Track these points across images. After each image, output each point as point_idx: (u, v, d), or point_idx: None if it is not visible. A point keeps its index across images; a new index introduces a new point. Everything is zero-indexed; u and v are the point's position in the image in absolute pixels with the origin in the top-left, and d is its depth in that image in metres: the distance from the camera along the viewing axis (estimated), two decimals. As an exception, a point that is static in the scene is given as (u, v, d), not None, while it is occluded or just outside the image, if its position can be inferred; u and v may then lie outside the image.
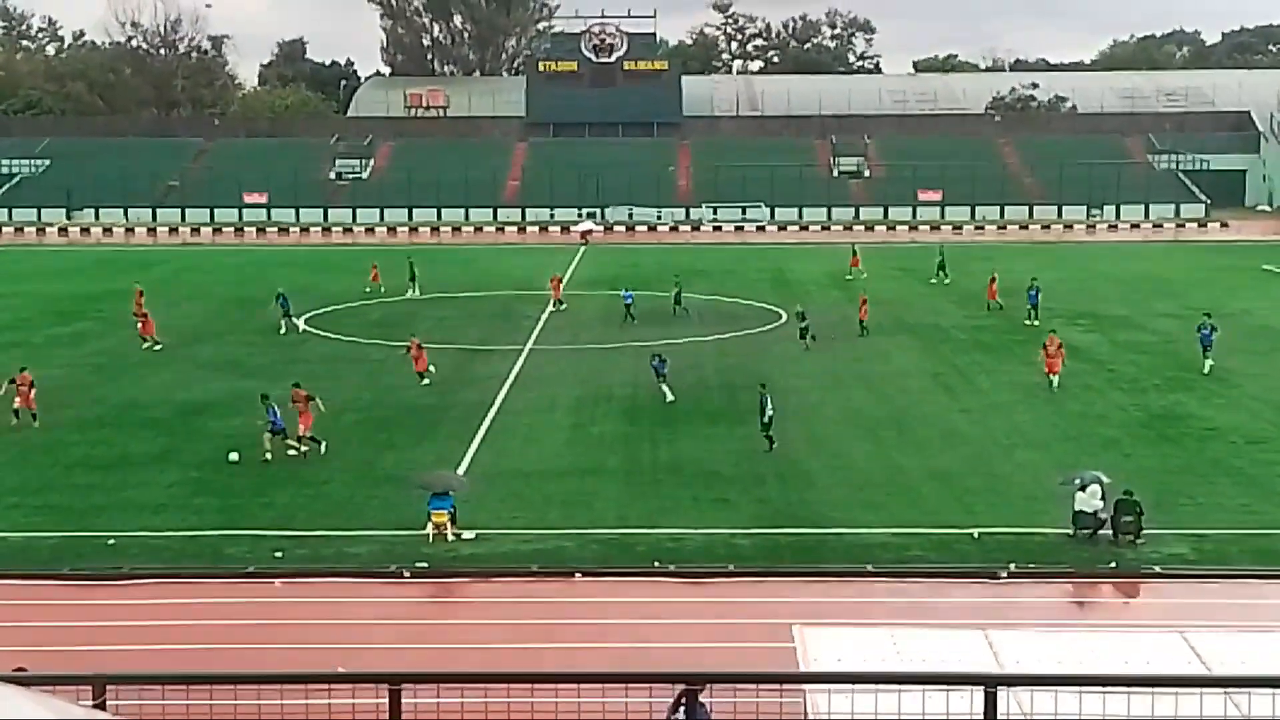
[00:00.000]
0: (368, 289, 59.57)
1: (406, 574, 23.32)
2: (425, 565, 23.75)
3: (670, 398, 36.81)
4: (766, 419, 31.74)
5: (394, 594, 22.66)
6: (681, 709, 13.79)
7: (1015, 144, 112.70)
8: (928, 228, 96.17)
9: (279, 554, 24.36)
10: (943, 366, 42.59)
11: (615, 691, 9.14)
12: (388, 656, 19.09)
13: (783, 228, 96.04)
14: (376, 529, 25.82)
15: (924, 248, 78.48)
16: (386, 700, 8.58)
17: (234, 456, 30.54)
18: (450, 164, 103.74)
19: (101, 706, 8.40)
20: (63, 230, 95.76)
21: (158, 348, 45.13)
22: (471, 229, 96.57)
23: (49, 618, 21.08)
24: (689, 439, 32.77)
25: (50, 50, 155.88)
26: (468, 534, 25.30)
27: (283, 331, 48.13)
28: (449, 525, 25.13)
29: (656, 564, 23.71)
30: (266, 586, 22.85)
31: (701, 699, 13.51)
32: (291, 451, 31.18)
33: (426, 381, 39.11)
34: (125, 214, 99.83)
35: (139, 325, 46.38)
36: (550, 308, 54.27)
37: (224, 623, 20.99)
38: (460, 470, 29.27)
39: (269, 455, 30.59)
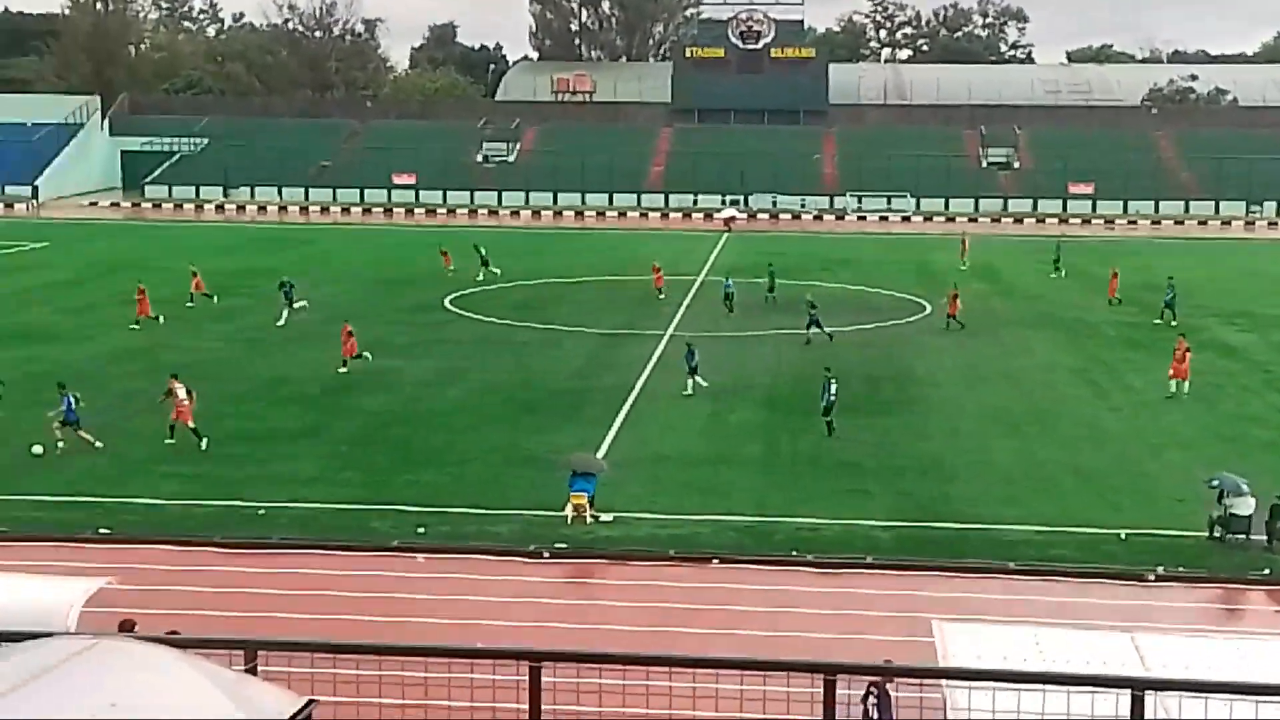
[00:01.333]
0: (449, 272, 59.82)
1: (546, 554, 23.57)
2: (564, 546, 23.98)
3: (689, 391, 36.04)
4: (826, 404, 31.82)
5: (532, 573, 22.91)
6: (873, 701, 13.77)
7: (1172, 137, 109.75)
8: (1079, 221, 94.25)
9: (422, 530, 24.79)
10: (1089, 362, 41.74)
11: (753, 679, 9.14)
12: (525, 634, 19.31)
13: (928, 218, 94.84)
14: (517, 509, 26.12)
15: (1073, 242, 76.98)
16: (526, 677, 8.72)
17: (37, 450, 29.40)
18: (595, 149, 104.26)
19: (253, 671, 8.65)
20: (219, 207, 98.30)
21: (135, 327, 45.55)
22: (615, 214, 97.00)
23: (202, 583, 21.71)
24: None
25: (210, 32, 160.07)
26: (606, 516, 25.49)
27: (280, 323, 46.46)
28: (588, 507, 25.34)
29: (794, 553, 23.64)
30: (409, 561, 23.27)
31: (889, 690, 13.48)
32: (91, 439, 30.00)
33: (344, 369, 38.72)
34: (279, 192, 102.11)
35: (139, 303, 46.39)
36: (661, 296, 53.87)
37: (368, 595, 21.42)
38: (600, 454, 29.47)
39: (61, 445, 29.73)
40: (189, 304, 50.02)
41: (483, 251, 60.42)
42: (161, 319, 45.98)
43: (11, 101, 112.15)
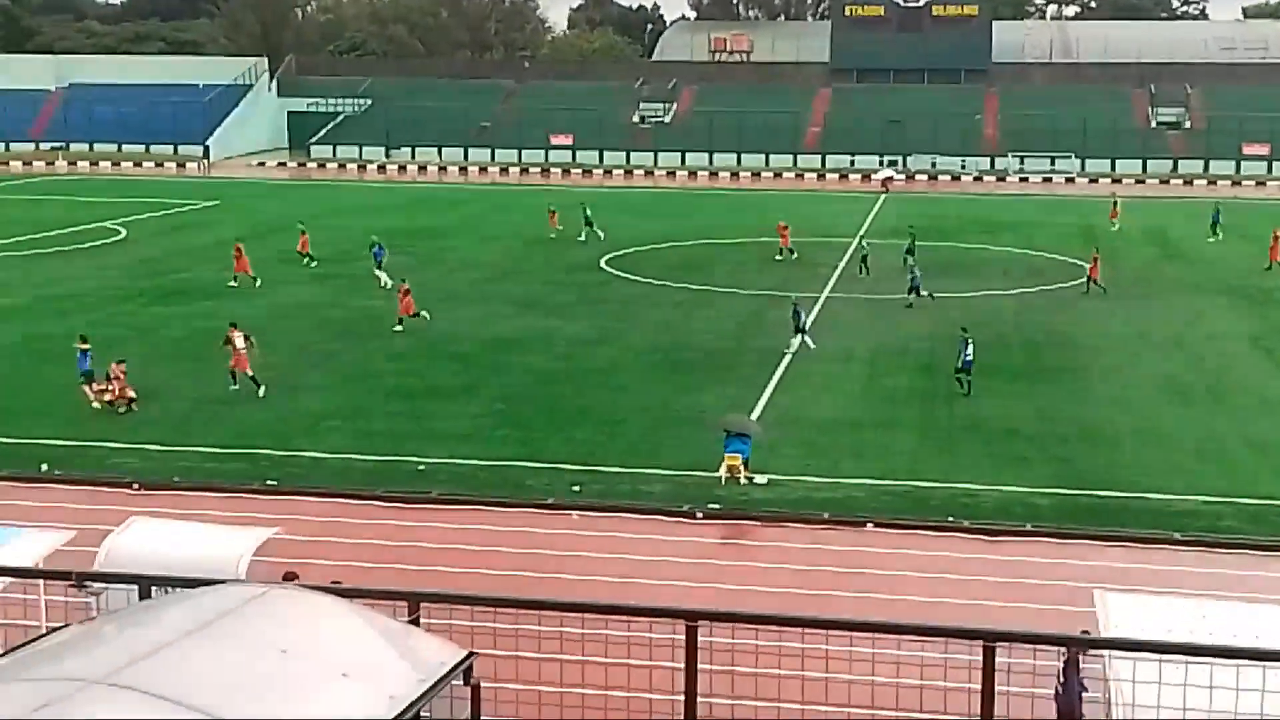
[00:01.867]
0: (552, 234, 59.75)
1: (699, 515, 23.63)
2: (718, 507, 24.01)
3: (794, 349, 36.14)
4: (962, 363, 31.73)
5: (686, 533, 22.99)
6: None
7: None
8: (1252, 183, 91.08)
9: (577, 488, 25.04)
10: (1266, 330, 40.37)
11: (911, 644, 9.06)
12: (678, 593, 19.41)
13: (1093, 180, 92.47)
14: (671, 469, 26.22)
15: (1249, 205, 74.47)
16: (683, 635, 8.76)
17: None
18: (752, 109, 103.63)
19: (416, 622, 8.84)
20: (381, 168, 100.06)
21: (233, 284, 46.14)
22: (771, 175, 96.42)
23: (364, 536, 22.22)
24: (987, 395, 32.04)
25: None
26: (760, 478, 25.45)
27: (384, 285, 45.63)
28: (742, 469, 25.32)
29: (950, 519, 23.35)
30: (564, 518, 23.51)
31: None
32: (91, 398, 30.30)
33: (399, 328, 38.82)
34: (439, 153, 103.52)
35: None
36: (779, 256, 53.41)
37: (523, 551, 21.71)
38: (754, 415, 29.41)
39: (95, 404, 30.16)
40: (311, 265, 50.58)
41: (587, 212, 60.22)
42: (258, 281, 46.49)
43: (184, 64, 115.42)
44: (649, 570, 20.84)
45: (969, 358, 31.92)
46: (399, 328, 38.99)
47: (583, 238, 58.47)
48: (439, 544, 22.01)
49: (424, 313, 39.69)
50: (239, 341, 31.90)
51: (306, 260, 50.96)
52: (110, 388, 30.09)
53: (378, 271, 46.65)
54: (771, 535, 22.97)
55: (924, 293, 43.76)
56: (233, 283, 46.30)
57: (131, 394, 30.21)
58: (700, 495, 24.61)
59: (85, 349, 30.83)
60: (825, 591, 19.88)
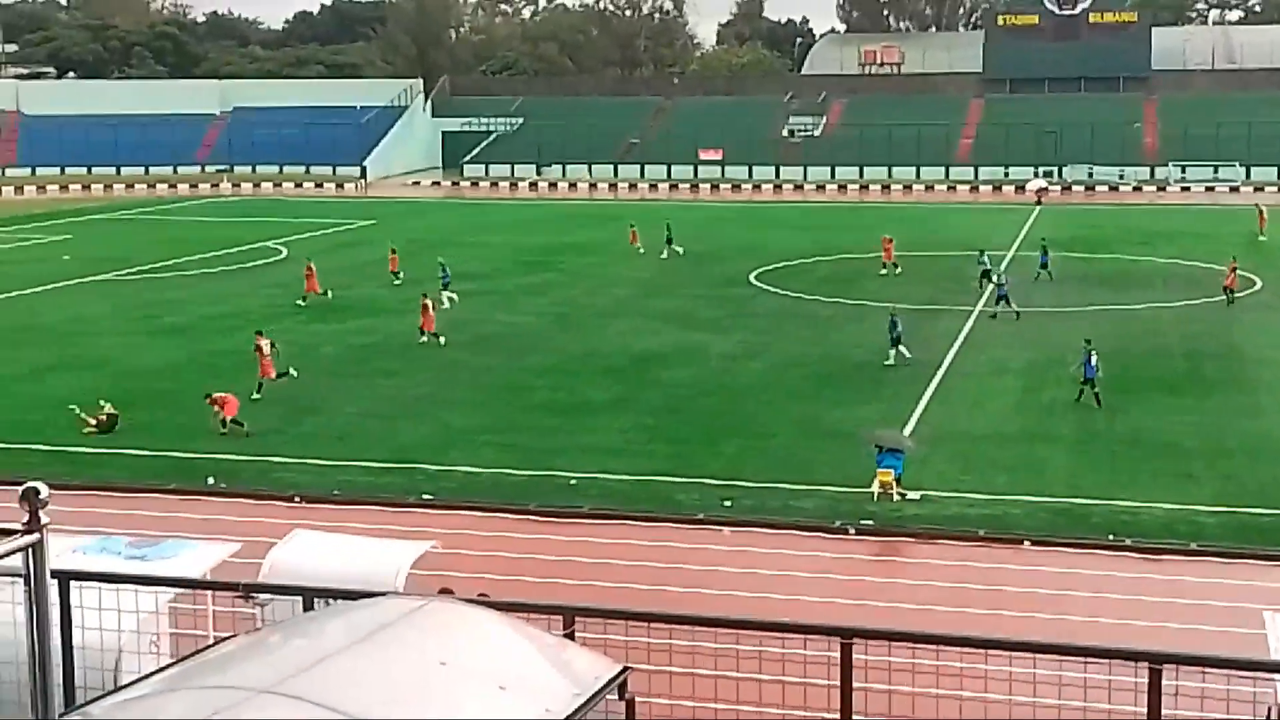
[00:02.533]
0: (638, 250, 59.58)
1: (851, 530, 23.42)
2: (870, 523, 23.77)
3: (890, 361, 35.86)
4: (1088, 376, 31.34)
5: (838, 549, 22.80)
6: None
7: None
8: None
9: (728, 503, 24.99)
10: None
11: (1073, 665, 8.87)
12: (830, 610, 19.26)
13: (1259, 188, 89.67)
14: (822, 484, 26.03)
15: None
16: (838, 653, 8.68)
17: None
18: (903, 121, 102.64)
19: (570, 636, 8.89)
20: (532, 185, 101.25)
21: (301, 303, 46.36)
22: (922, 187, 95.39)
23: (517, 550, 22.45)
24: (1148, 409, 31.27)
25: (526, 14, 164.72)
26: (913, 494, 25.14)
27: (445, 305, 45.33)
28: (895, 485, 25.04)
29: (1111, 537, 22.80)
30: (714, 534, 23.49)
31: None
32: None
33: (424, 340, 39.23)
34: (589, 170, 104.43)
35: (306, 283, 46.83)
36: (883, 271, 52.54)
37: (674, 566, 21.74)
38: (906, 430, 29.08)
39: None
40: (395, 283, 51.02)
41: (670, 230, 60.12)
42: (330, 294, 46.99)
43: (342, 86, 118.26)
44: (800, 586, 20.71)
45: (1094, 370, 31.36)
46: (423, 339, 39.48)
47: (664, 255, 58.35)
48: (591, 558, 22.14)
49: (441, 338, 39.61)
50: (265, 348, 32.92)
51: (395, 279, 51.42)
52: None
53: (446, 294, 46.70)
54: (925, 552, 22.66)
55: (1012, 305, 43.07)
56: (301, 301, 46.82)
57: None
58: (852, 511, 24.39)
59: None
60: (980, 610, 19.54)
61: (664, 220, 62.95)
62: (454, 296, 46.69)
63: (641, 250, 59.68)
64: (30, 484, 4.49)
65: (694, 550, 22.63)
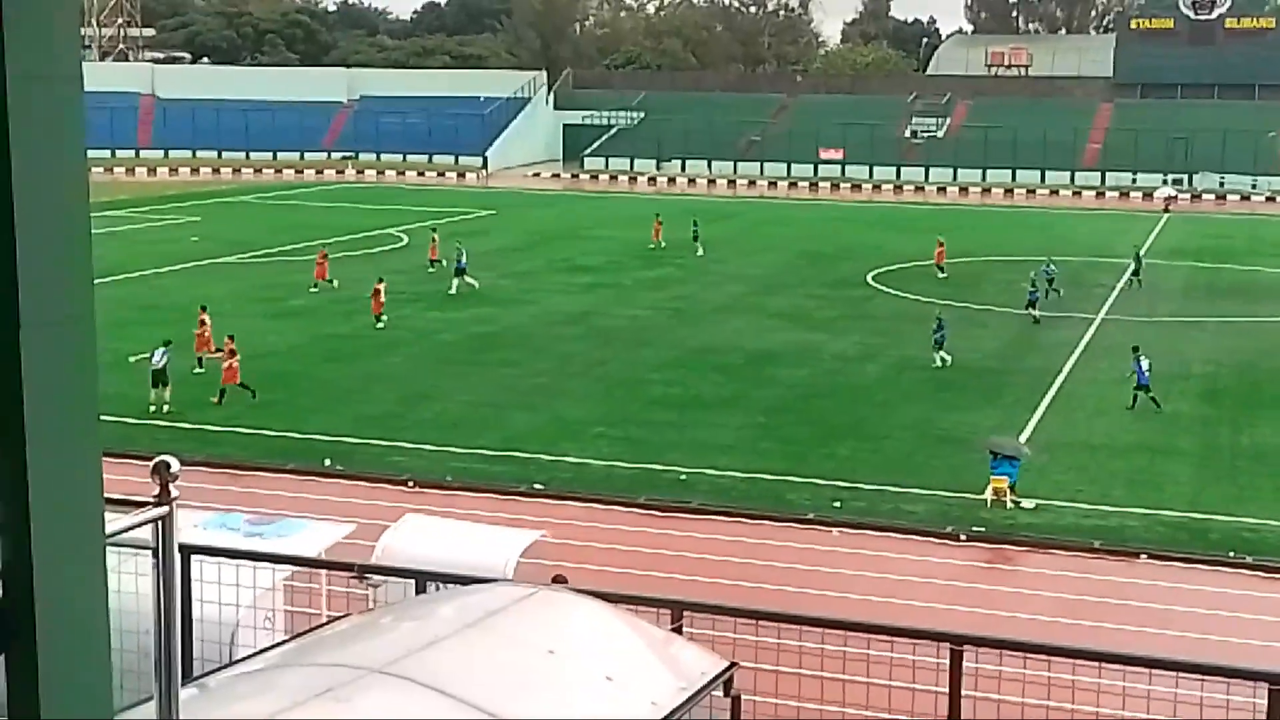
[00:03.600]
0: (651, 246, 59.11)
1: (963, 537, 23.18)
2: (982, 530, 23.51)
3: (936, 364, 35.94)
4: (1140, 382, 31.55)
5: (948, 555, 22.58)
6: None
7: None
8: None
9: (838, 504, 24.87)
10: None
11: (1190, 683, 8.70)
12: (939, 616, 19.05)
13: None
14: (934, 489, 25.78)
15: None
16: (947, 659, 8.61)
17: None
18: (1028, 125, 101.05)
19: (678, 630, 8.93)
20: (651, 180, 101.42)
21: (314, 290, 46.34)
22: (1047, 192, 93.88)
23: (626, 542, 22.57)
24: (1275, 425, 30.49)
25: (650, 9, 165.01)
26: (1027, 502, 24.80)
27: (451, 291, 46.49)
28: (1009, 492, 24.72)
29: (1231, 554, 22.29)
30: (824, 534, 23.39)
31: None
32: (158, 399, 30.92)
33: (380, 325, 40.47)
34: (709, 166, 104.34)
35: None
36: (942, 275, 51.68)
37: (783, 565, 21.69)
38: (1022, 438, 28.68)
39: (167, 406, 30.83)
40: (429, 270, 51.57)
41: (696, 226, 59.88)
42: (336, 283, 47.10)
43: (467, 77, 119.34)
44: (909, 590, 20.54)
45: (1145, 375, 31.45)
46: (380, 326, 40.62)
47: (700, 252, 58.05)
48: (699, 554, 22.16)
49: (383, 320, 41.02)
50: (208, 323, 33.09)
51: (429, 267, 51.85)
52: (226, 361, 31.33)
53: (467, 279, 47.54)
54: (1037, 561, 22.36)
55: (1035, 312, 42.98)
56: (313, 288, 47.11)
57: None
58: (964, 517, 24.13)
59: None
60: (1092, 622, 19.22)
61: (782, 218, 62.70)
62: (473, 282, 47.41)
63: (663, 246, 59.23)
64: (162, 457, 4.59)
65: (803, 550, 22.55)
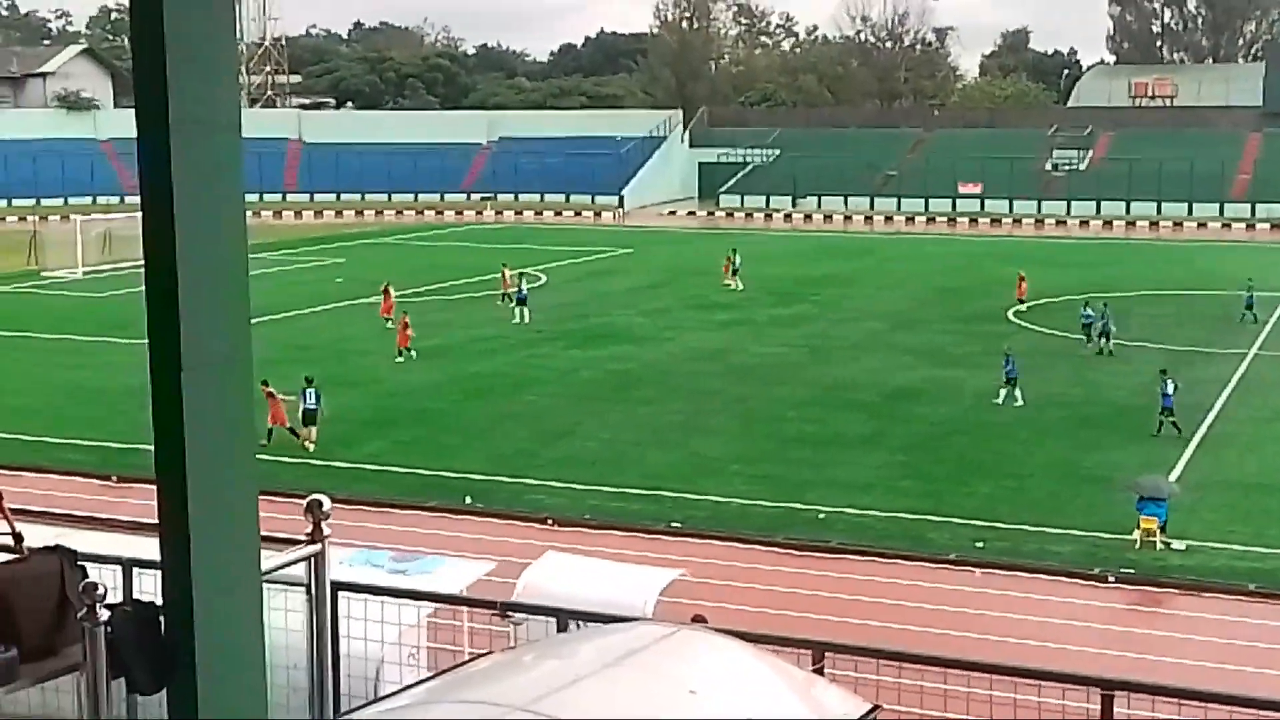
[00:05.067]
0: (732, 286, 58.47)
1: (1110, 578, 22.63)
2: (1131, 571, 22.93)
3: (999, 400, 35.37)
4: (1161, 405, 31.96)
5: (1095, 597, 22.05)
6: None
7: None
8: None
9: (980, 544, 24.46)
10: None
11: (1356, 734, 8.37)
12: (1086, 660, 18.60)
13: None
14: (1079, 529, 25.25)
15: None
16: (1098, 705, 8.39)
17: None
18: (1174, 156, 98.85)
19: (820, 671, 8.83)
20: (787, 216, 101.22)
21: (390, 325, 46.15)
22: (1194, 225, 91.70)
23: (765, 581, 22.43)
24: None
25: (785, 46, 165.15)
26: (1178, 543, 24.14)
27: (515, 320, 48.63)
28: (1159, 533, 24.10)
29: (1395, 599, 21.45)
30: (966, 575, 23.01)
31: None
32: (307, 438, 31.42)
33: (400, 359, 41.26)
34: (845, 202, 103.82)
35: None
36: (1021, 307, 51.33)
37: (924, 605, 21.36)
38: (1171, 477, 27.93)
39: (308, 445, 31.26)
40: (498, 303, 52.57)
41: (736, 259, 59.60)
42: (389, 322, 46.83)
43: (603, 117, 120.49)
44: (1056, 633, 20.09)
45: (1170, 399, 31.66)
46: (400, 359, 41.34)
47: (741, 286, 57.92)
48: (839, 593, 21.95)
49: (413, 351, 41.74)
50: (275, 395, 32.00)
51: (499, 300, 53.07)
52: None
53: (520, 308, 49.33)
54: (1189, 604, 21.73)
55: (1091, 340, 43.06)
56: (389, 325, 47.00)
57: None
58: (1112, 558, 23.57)
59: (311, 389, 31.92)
60: (1250, 668, 18.62)
61: (919, 254, 62.08)
62: (528, 312, 49.24)
63: (738, 287, 58.46)
64: (315, 496, 4.71)
65: (945, 590, 22.20)
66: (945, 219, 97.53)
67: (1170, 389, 32.08)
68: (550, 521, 25.93)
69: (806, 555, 24.00)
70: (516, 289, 51.03)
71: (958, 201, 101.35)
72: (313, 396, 31.72)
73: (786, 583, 22.38)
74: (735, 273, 59.32)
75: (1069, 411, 35.09)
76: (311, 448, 31.25)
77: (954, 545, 24.45)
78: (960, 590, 22.25)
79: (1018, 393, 35.74)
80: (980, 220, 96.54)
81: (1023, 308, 51.61)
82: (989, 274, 62.65)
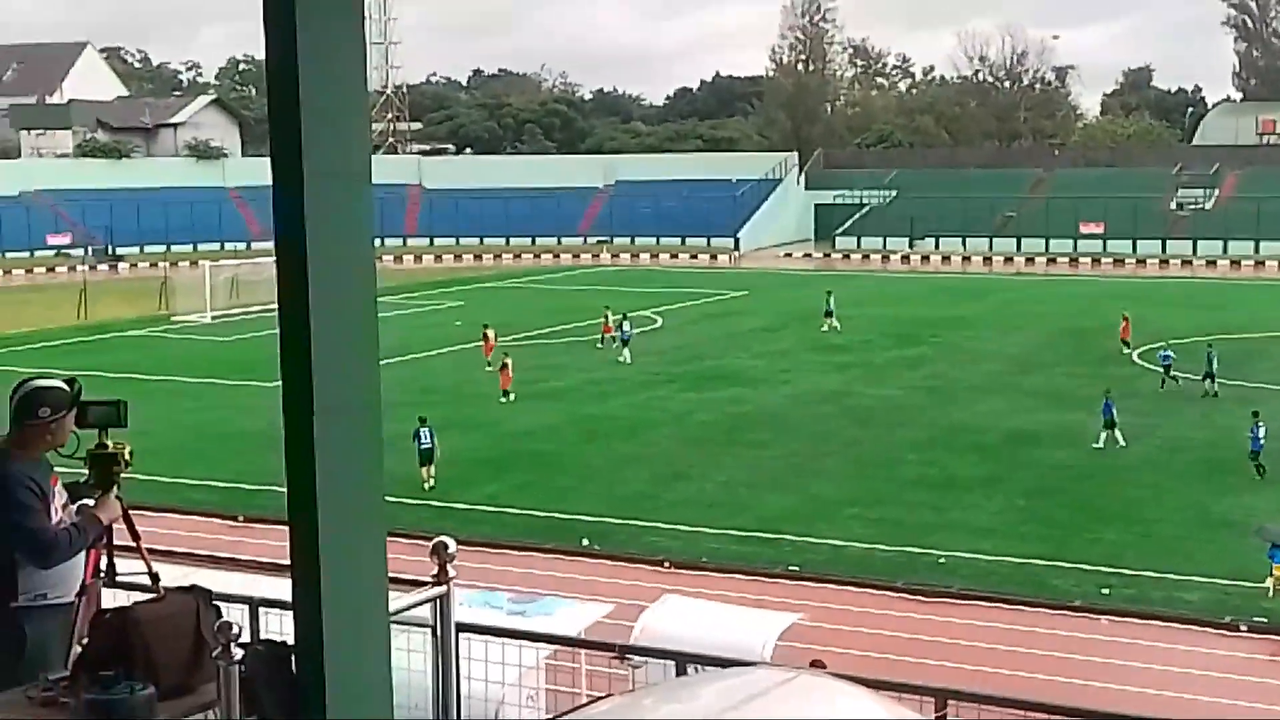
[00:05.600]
0: (824, 329, 57.98)
1: (1243, 627, 22.03)
2: (1264, 621, 22.30)
3: (1098, 444, 34.68)
4: (1250, 448, 31.84)
5: (1227, 646, 21.49)
6: None
7: None
8: None
9: (1106, 591, 23.97)
10: None
11: None
12: (1219, 711, 18.16)
13: None
14: (1210, 576, 24.63)
15: None
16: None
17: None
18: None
19: (943, 719, 8.70)
20: (904, 258, 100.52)
21: (489, 368, 46.65)
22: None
23: (884, 626, 22.20)
24: None
25: (902, 87, 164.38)
26: (1313, 593, 23.45)
27: (621, 359, 49.68)
28: (1292, 581, 23.44)
29: None
30: (1092, 622, 22.55)
31: None
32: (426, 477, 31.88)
33: (504, 400, 41.99)
34: (963, 243, 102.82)
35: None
36: (1124, 351, 50.50)
37: (1049, 653, 20.98)
38: (1304, 523, 27.14)
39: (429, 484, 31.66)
40: (598, 345, 53.50)
41: (829, 301, 59.21)
42: (489, 365, 47.08)
43: (718, 159, 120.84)
44: (1186, 683, 19.61)
45: (1259, 442, 31.19)
46: (504, 400, 42.04)
47: (824, 328, 57.52)
48: (960, 640, 21.62)
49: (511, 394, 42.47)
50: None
51: (599, 342, 53.80)
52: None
53: (625, 349, 50.24)
54: (1326, 656, 21.07)
55: (1169, 381, 42.49)
56: (489, 367, 47.35)
57: None
58: (1244, 607, 22.95)
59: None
60: (1391, 723, 17.98)
61: (1040, 295, 61.19)
62: (629, 355, 50.24)
63: (836, 329, 58.00)
64: (441, 538, 4.78)
65: (1070, 638, 21.78)
66: (1067, 259, 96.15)
67: (1262, 432, 31.76)
68: (667, 564, 25.92)
69: (927, 600, 23.70)
70: (620, 331, 51.85)
71: (1079, 242, 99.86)
72: (428, 436, 32.23)
73: (907, 628, 22.12)
74: (829, 314, 59.19)
75: (1194, 455, 34.30)
76: (432, 485, 31.65)
77: (1078, 592, 24.00)
78: (1085, 637, 21.82)
79: (1118, 434, 35.20)
80: (1103, 261, 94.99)
81: (1127, 351, 50.65)
82: (1113, 315, 61.45)
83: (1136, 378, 46.10)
